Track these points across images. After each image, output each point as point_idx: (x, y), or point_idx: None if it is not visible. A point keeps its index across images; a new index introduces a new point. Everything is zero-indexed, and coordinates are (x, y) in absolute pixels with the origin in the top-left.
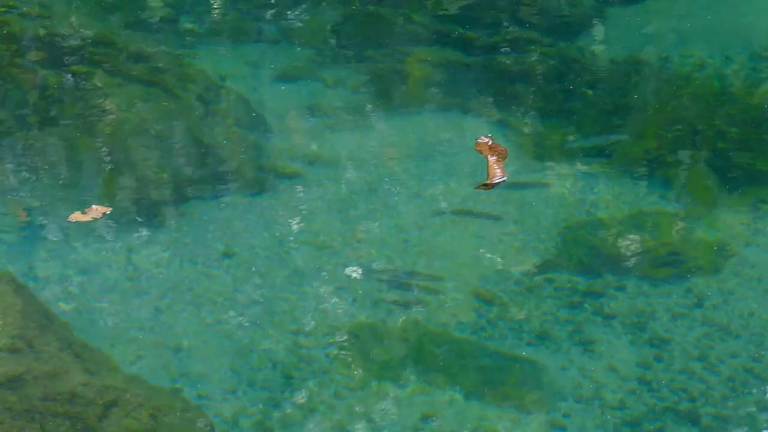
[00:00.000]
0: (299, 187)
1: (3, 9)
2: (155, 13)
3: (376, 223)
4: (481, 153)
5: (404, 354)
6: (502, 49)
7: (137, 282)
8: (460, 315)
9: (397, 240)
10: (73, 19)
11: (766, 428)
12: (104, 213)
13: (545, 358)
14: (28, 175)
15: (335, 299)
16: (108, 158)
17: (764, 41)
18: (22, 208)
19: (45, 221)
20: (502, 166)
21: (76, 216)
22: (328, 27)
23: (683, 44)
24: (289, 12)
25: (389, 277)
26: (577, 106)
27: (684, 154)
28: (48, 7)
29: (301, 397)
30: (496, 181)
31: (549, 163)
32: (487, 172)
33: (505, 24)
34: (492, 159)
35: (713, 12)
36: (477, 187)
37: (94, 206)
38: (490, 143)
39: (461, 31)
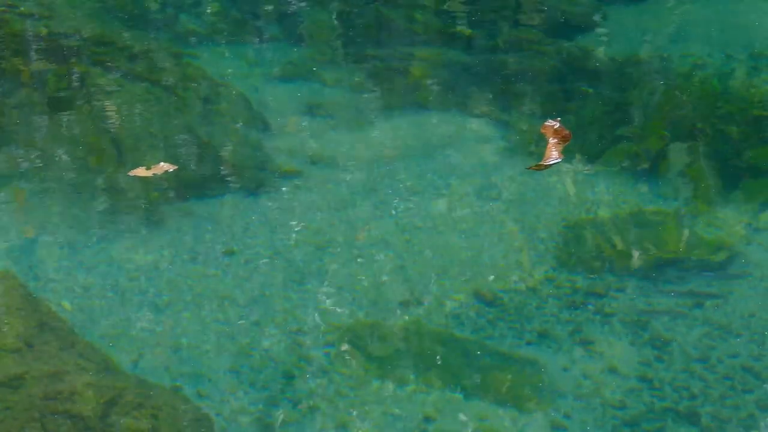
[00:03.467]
0: (299, 186)
1: (3, 8)
2: (156, 12)
3: (377, 222)
4: (545, 135)
5: (404, 353)
6: (503, 49)
7: (137, 281)
8: (460, 314)
9: (397, 239)
10: (73, 18)
11: (766, 428)
12: (167, 171)
13: (546, 357)
14: (28, 175)
15: (336, 298)
16: (108, 157)
17: (764, 40)
18: (22, 208)
19: (46, 220)
20: (560, 149)
21: (139, 171)
22: (329, 26)
23: (683, 43)
24: (289, 11)
25: None
26: (578, 106)
27: (684, 153)
28: (48, 6)
29: (301, 397)
30: (550, 162)
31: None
32: (545, 153)
33: (506, 23)
34: (553, 141)
35: (713, 11)
36: (530, 167)
37: (162, 163)
38: (556, 126)
39: (462, 30)
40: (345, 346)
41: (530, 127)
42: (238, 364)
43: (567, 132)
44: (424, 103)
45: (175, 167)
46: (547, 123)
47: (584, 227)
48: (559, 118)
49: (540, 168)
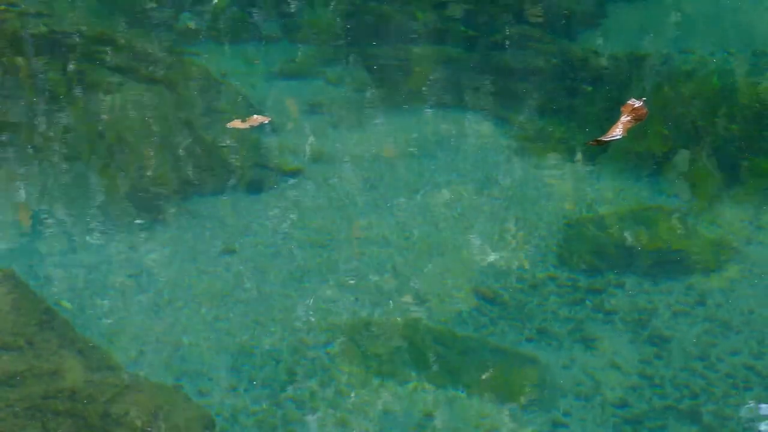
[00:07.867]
0: (300, 185)
1: (3, 7)
2: (156, 10)
3: (378, 221)
4: (622, 112)
5: (405, 351)
6: (504, 47)
7: (138, 279)
8: (461, 312)
9: (398, 237)
10: (73, 17)
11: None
12: (263, 123)
13: (546, 355)
14: (27, 173)
15: (336, 296)
16: (109, 155)
17: (766, 38)
18: (22, 206)
19: (46, 219)
20: (628, 127)
21: (235, 123)
22: (330, 24)
23: (684, 41)
24: (290, 9)
25: None
26: (579, 103)
27: (685, 151)
28: (48, 5)
29: (302, 395)
30: (610, 138)
31: (550, 160)
32: (610, 128)
33: (507, 21)
34: (625, 119)
35: (715, 9)
36: (589, 142)
37: (255, 116)
38: (636, 105)
39: (463, 28)
40: (346, 344)
41: (531, 125)
42: (239, 362)
43: (644, 111)
44: (425, 101)
45: (270, 119)
46: (629, 101)
47: (585, 225)
48: (644, 98)
49: (599, 143)
